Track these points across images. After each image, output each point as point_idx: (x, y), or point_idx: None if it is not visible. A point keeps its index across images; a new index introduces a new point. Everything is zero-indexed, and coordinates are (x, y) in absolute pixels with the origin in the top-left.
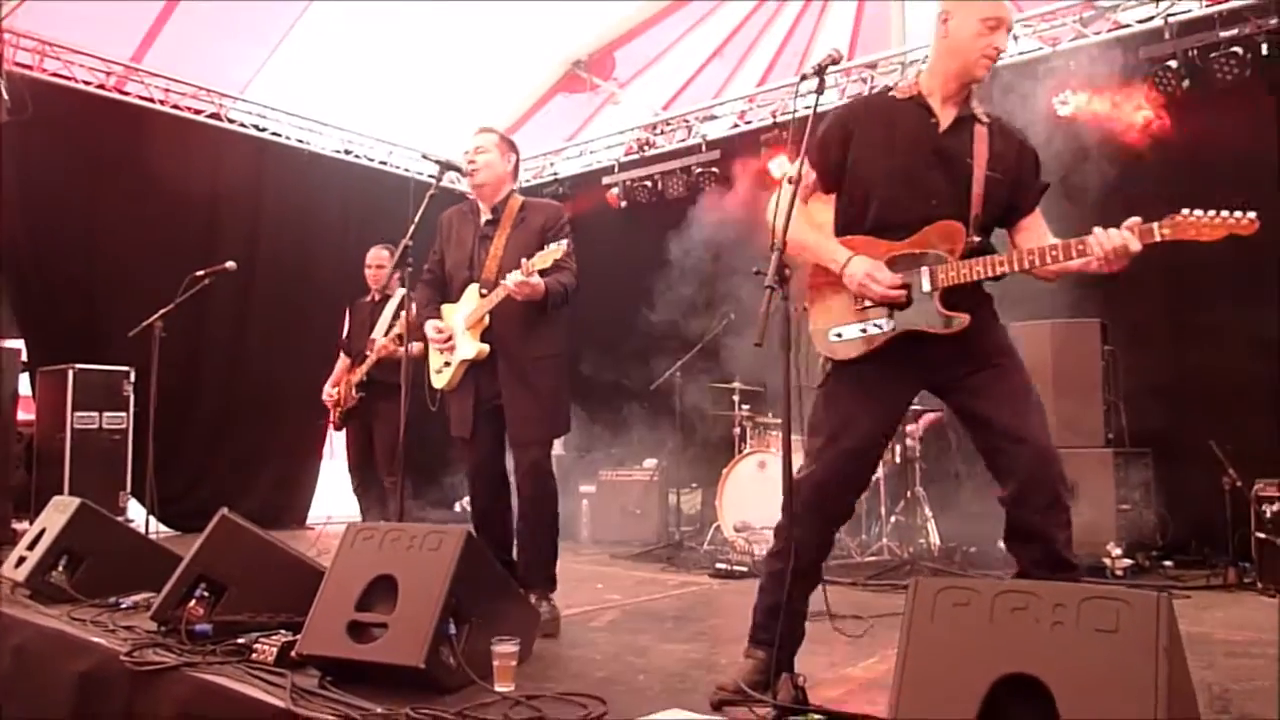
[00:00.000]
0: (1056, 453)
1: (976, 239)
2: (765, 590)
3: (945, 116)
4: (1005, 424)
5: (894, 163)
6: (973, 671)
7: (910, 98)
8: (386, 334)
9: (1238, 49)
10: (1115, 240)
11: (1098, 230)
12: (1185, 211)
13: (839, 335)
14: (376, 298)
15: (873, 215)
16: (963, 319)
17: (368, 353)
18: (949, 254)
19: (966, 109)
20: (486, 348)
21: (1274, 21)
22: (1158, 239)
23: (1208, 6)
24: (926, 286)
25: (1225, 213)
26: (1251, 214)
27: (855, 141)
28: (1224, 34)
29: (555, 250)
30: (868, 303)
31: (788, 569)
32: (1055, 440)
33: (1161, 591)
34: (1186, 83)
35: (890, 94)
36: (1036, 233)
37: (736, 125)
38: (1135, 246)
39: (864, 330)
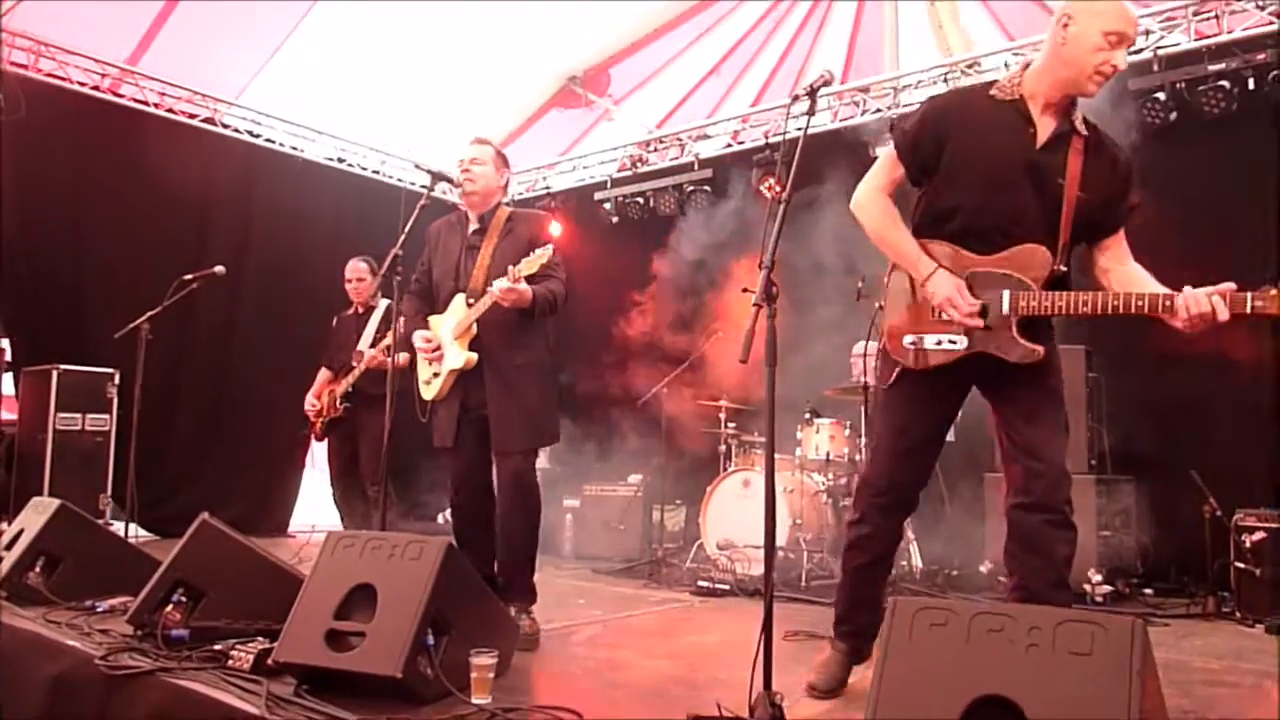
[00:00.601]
0: (1069, 476)
1: (1063, 268)
2: (840, 585)
3: (1044, 128)
4: (1029, 439)
5: (985, 172)
6: (948, 692)
7: (1011, 101)
8: (373, 345)
9: (1225, 83)
10: (1203, 306)
11: (1187, 290)
12: None
13: (913, 343)
14: (360, 310)
15: (957, 223)
16: (1038, 351)
17: (353, 364)
18: (1033, 281)
19: (1066, 123)
20: (475, 356)
21: (1261, 56)
22: (1248, 311)
23: (1196, 40)
24: (1006, 310)
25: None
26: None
27: (949, 143)
28: (1212, 68)
29: (541, 255)
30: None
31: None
32: None
33: (1140, 618)
34: (1174, 115)
35: (991, 92)
36: (1118, 253)
37: (730, 145)
38: (1223, 316)
39: (939, 343)
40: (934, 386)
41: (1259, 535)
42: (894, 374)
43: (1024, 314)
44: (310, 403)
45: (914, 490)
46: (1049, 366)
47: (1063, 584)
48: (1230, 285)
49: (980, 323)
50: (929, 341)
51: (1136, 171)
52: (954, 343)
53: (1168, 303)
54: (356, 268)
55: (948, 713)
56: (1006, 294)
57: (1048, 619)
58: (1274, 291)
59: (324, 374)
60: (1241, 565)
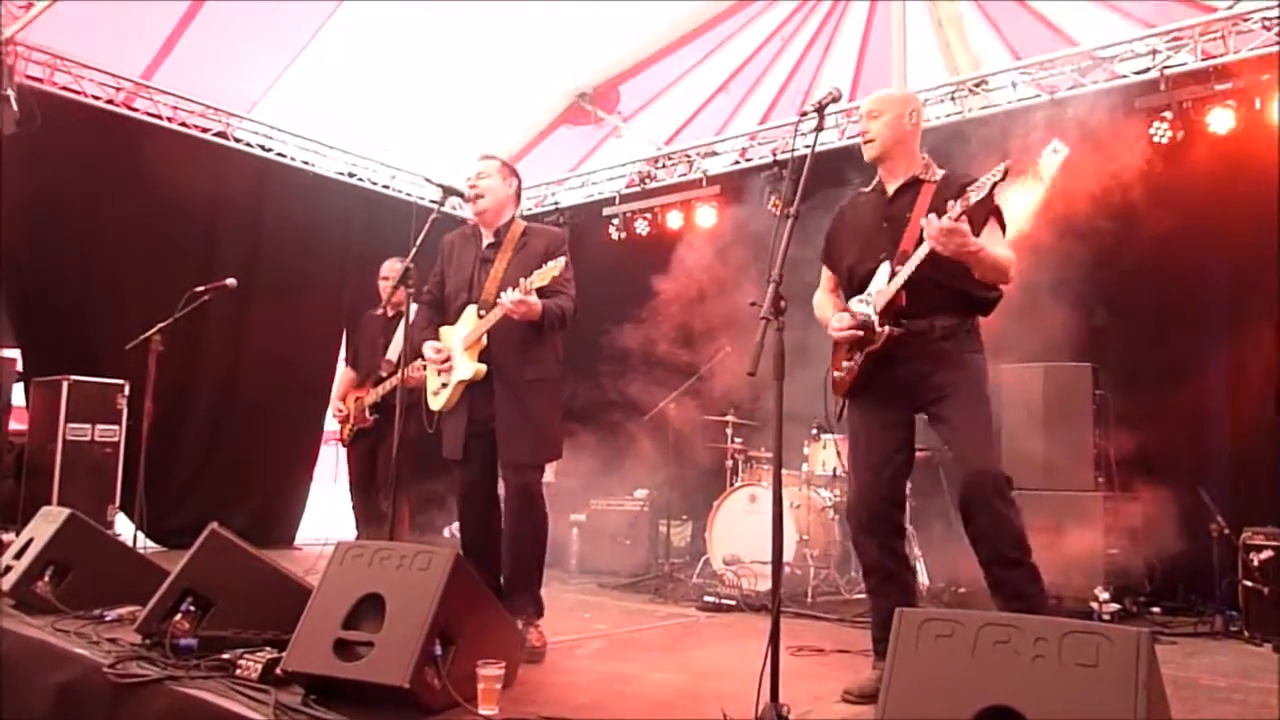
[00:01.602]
0: (992, 470)
1: (898, 268)
2: (871, 608)
3: (890, 187)
4: (956, 449)
5: (858, 237)
6: (955, 703)
7: (873, 187)
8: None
9: (1232, 101)
10: (932, 225)
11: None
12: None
13: (838, 374)
14: (390, 313)
15: (852, 279)
16: (884, 330)
17: (381, 373)
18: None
19: (911, 177)
20: (484, 368)
21: (1266, 77)
22: (957, 214)
23: (1202, 60)
24: (873, 314)
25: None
26: (1003, 165)
27: (838, 236)
28: (1219, 87)
29: (553, 268)
30: (849, 344)
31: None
32: (1044, 482)
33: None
34: (1181, 134)
35: (859, 192)
36: (990, 243)
37: (738, 162)
38: (944, 224)
39: (847, 366)
40: (867, 406)
41: (1267, 554)
42: (840, 408)
43: (879, 308)
44: (337, 406)
45: (886, 507)
46: (955, 380)
47: (1010, 561)
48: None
49: (856, 332)
50: (843, 368)
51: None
52: (852, 362)
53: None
54: (393, 266)
55: None
56: (871, 301)
57: (1054, 630)
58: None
59: (348, 374)
60: (1249, 584)
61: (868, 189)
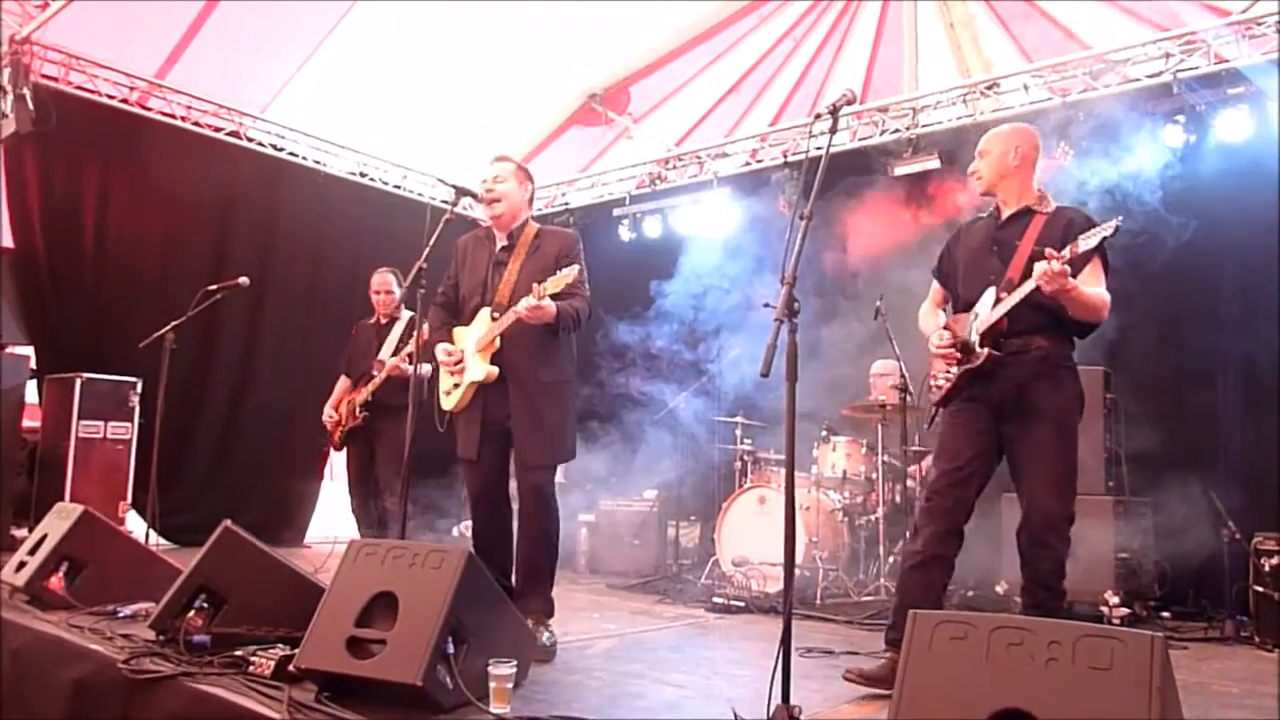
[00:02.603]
0: (1051, 507)
1: (1004, 295)
2: (898, 592)
3: (1005, 214)
4: (1023, 488)
5: (969, 257)
6: (968, 705)
7: (989, 213)
8: (394, 355)
9: (1244, 105)
10: (1040, 269)
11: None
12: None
13: (935, 384)
14: (382, 320)
15: (960, 298)
16: (983, 352)
17: (374, 373)
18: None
19: (1024, 206)
20: (496, 370)
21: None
22: (1068, 258)
23: (1215, 64)
24: (973, 334)
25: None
26: (1116, 220)
27: (953, 252)
28: (1230, 91)
29: (567, 275)
30: (950, 361)
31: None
32: None
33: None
34: (1193, 137)
35: (979, 216)
36: (1087, 284)
37: (748, 163)
38: (1053, 267)
39: (945, 379)
40: (959, 415)
41: (1278, 559)
42: (934, 415)
43: (981, 329)
44: (329, 414)
45: (956, 510)
46: (1043, 408)
47: (1045, 588)
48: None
49: (954, 352)
50: (941, 378)
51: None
52: (950, 375)
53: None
54: (384, 279)
55: None
56: (974, 322)
57: (1068, 633)
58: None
59: (343, 383)
60: (1260, 589)
61: (985, 214)
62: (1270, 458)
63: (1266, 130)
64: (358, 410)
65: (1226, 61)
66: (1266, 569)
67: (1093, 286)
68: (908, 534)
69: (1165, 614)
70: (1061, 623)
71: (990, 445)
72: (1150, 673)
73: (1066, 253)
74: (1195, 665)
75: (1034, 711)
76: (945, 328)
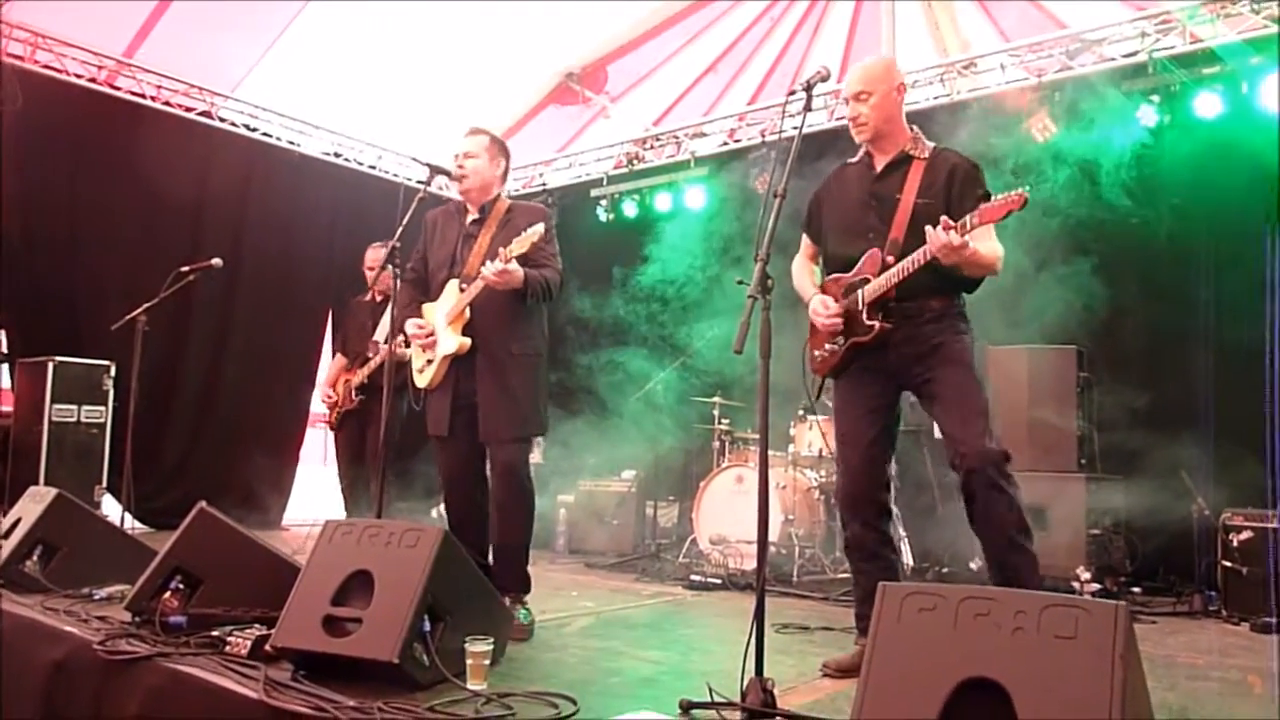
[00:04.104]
0: (990, 449)
1: (890, 259)
2: (854, 585)
3: (880, 164)
4: (948, 427)
5: (842, 213)
6: (936, 674)
7: (859, 159)
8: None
9: (1219, 85)
10: (938, 239)
11: (929, 230)
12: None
13: (819, 356)
14: (378, 298)
15: (834, 257)
16: (875, 325)
17: (369, 355)
18: (872, 275)
19: (900, 152)
20: (468, 341)
21: (1255, 60)
22: (969, 229)
23: (1191, 44)
24: (860, 305)
25: (1006, 194)
26: (1023, 189)
27: (821, 206)
28: (1205, 71)
29: (532, 234)
30: (832, 330)
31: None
32: (1029, 464)
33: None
34: (1168, 117)
35: (846, 163)
36: (982, 242)
37: (726, 143)
38: (955, 240)
39: (828, 349)
40: (851, 389)
41: (1246, 535)
42: (819, 387)
43: (870, 299)
44: (326, 393)
45: (871, 487)
46: (946, 357)
47: (1015, 546)
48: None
49: (838, 322)
50: (825, 350)
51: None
52: (835, 345)
53: (926, 247)
54: (379, 255)
55: (935, 694)
56: (858, 292)
57: (1033, 603)
58: (975, 213)
59: (338, 360)
60: (1228, 564)
61: (854, 160)
62: (1240, 436)
63: (1240, 109)
64: (354, 393)
65: (1201, 41)
66: (1234, 545)
67: (986, 242)
68: (841, 526)
69: (1136, 589)
70: (1028, 593)
71: (891, 416)
72: (1114, 641)
73: (968, 223)
74: (1163, 639)
75: (1000, 679)
76: (823, 290)
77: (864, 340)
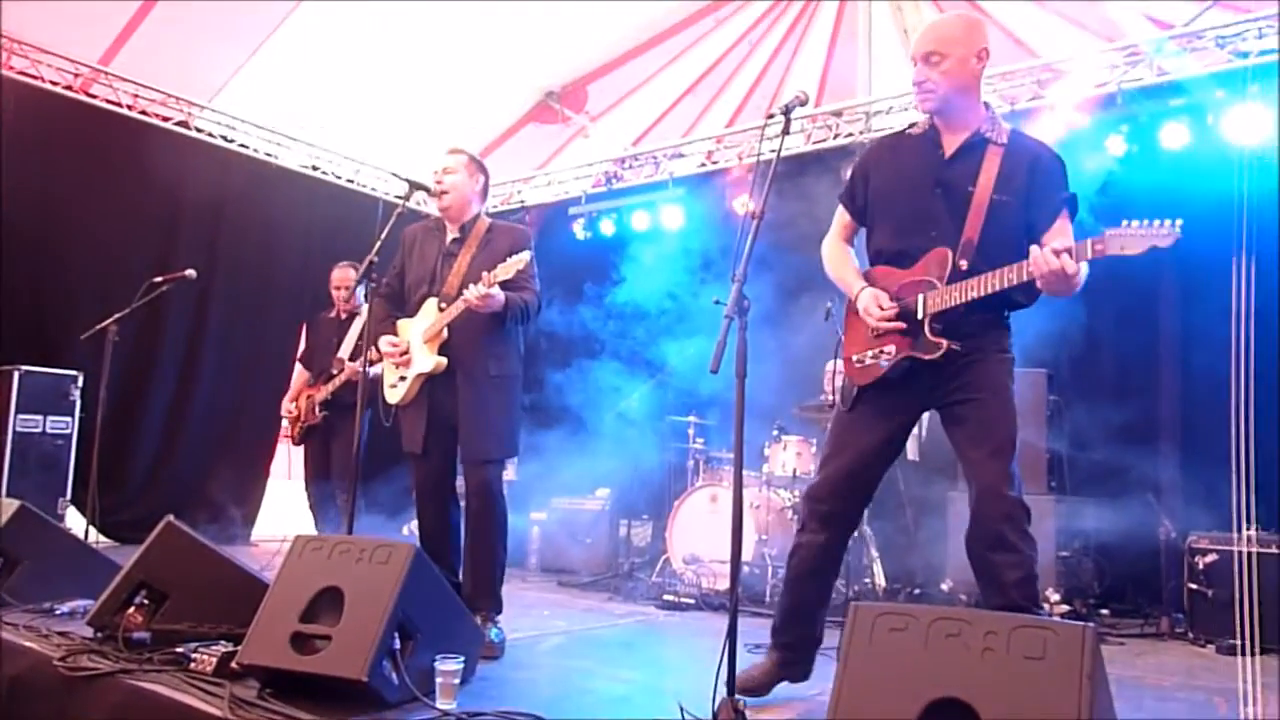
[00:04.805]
0: (1007, 496)
1: (963, 264)
2: (781, 595)
3: (950, 145)
4: (968, 458)
5: (900, 195)
6: (906, 694)
7: (924, 131)
8: (354, 354)
9: (1185, 116)
10: (1051, 263)
11: (1034, 250)
12: (1113, 229)
13: (859, 361)
14: (343, 315)
15: (887, 246)
16: (943, 344)
17: (333, 371)
18: (938, 280)
19: (975, 134)
20: (444, 361)
21: (1220, 93)
22: (1089, 257)
23: (1159, 76)
24: (920, 313)
25: (1150, 224)
26: (1174, 224)
27: (872, 180)
28: (1172, 103)
29: (517, 261)
30: (881, 332)
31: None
32: None
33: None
34: (1136, 148)
35: (908, 130)
36: (1058, 244)
37: (704, 164)
38: (1071, 269)
39: (876, 356)
40: (882, 402)
41: (1212, 557)
42: (854, 395)
43: (932, 310)
44: (287, 407)
45: (854, 506)
46: (988, 382)
47: (1014, 606)
48: (1067, 243)
49: (897, 324)
50: (869, 357)
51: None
52: (887, 354)
53: (1026, 267)
54: (345, 275)
55: (905, 714)
56: (920, 296)
57: (1003, 624)
58: (1109, 233)
59: (301, 374)
60: (1194, 586)
61: (914, 129)
62: (1207, 460)
63: (1204, 141)
64: (317, 409)
65: (1169, 74)
66: (1200, 567)
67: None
68: (796, 529)
69: (1104, 611)
70: (998, 614)
71: (903, 435)
72: (1081, 661)
73: (1091, 248)
74: (1131, 660)
75: (969, 700)
76: (872, 282)
77: (926, 358)
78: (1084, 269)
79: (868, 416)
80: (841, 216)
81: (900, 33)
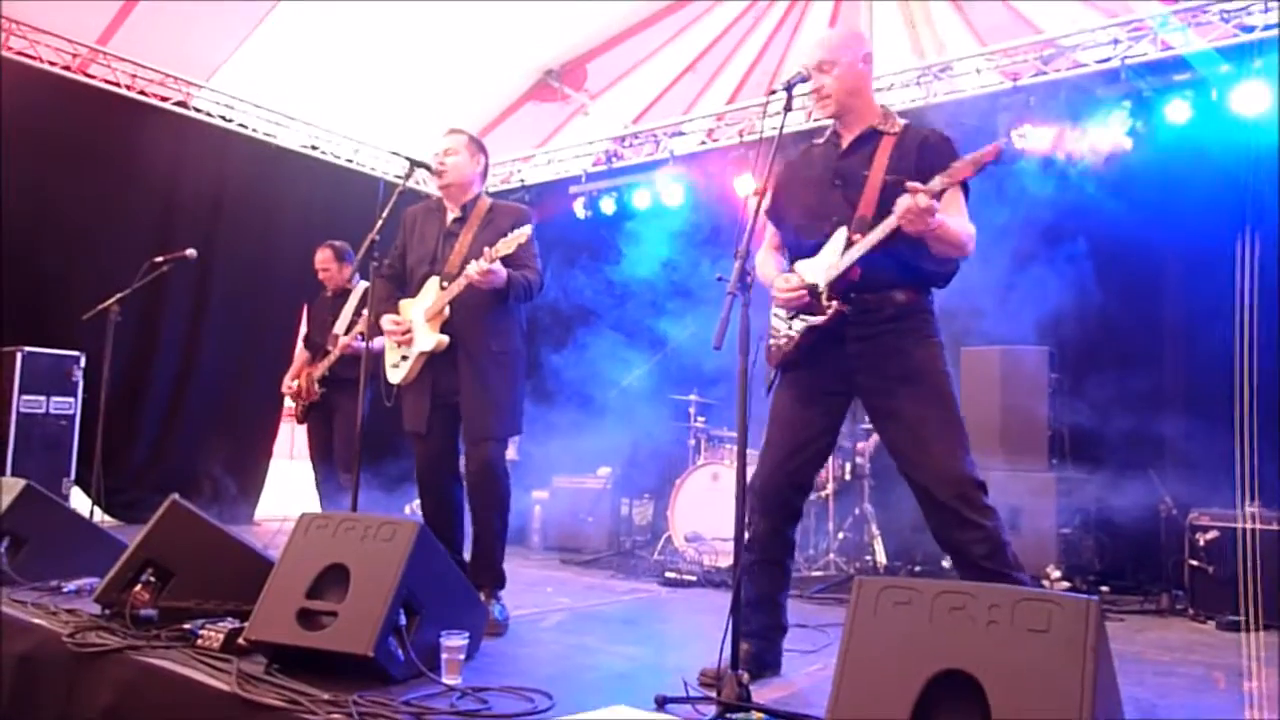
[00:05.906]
0: (951, 478)
1: (857, 238)
2: (753, 583)
3: (847, 141)
4: (898, 459)
5: (809, 195)
6: (911, 667)
7: (826, 139)
8: (348, 330)
9: (1189, 92)
10: (903, 202)
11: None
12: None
13: (774, 344)
14: (334, 294)
15: (799, 242)
16: (832, 306)
17: (329, 348)
18: (837, 256)
19: (868, 128)
20: (446, 339)
21: (1224, 68)
22: (939, 188)
23: (1163, 51)
24: (821, 285)
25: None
26: (995, 144)
27: (783, 190)
28: (1176, 78)
29: (519, 235)
30: (793, 313)
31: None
32: (1001, 464)
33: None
34: (1140, 123)
35: (813, 142)
36: (952, 216)
37: (704, 142)
38: (923, 203)
39: (786, 332)
40: (802, 383)
41: (1212, 534)
42: (773, 379)
43: (830, 278)
44: (288, 384)
45: (791, 491)
46: (907, 372)
47: (989, 573)
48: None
49: (802, 294)
50: (781, 337)
51: (956, 146)
52: (792, 329)
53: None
54: (323, 256)
55: (910, 687)
56: (820, 271)
57: (1007, 597)
58: (958, 163)
59: (301, 354)
60: (1195, 563)
61: (820, 140)
62: (1209, 436)
63: (1209, 116)
64: (315, 386)
65: (1173, 48)
66: (1201, 544)
67: (956, 216)
68: (746, 521)
69: (1105, 588)
70: (1003, 587)
71: (834, 420)
72: (1085, 634)
73: (937, 182)
74: (1131, 636)
75: (974, 672)
76: (792, 271)
77: (819, 323)
78: (966, 224)
79: (790, 406)
80: (768, 230)
81: (902, 5)
